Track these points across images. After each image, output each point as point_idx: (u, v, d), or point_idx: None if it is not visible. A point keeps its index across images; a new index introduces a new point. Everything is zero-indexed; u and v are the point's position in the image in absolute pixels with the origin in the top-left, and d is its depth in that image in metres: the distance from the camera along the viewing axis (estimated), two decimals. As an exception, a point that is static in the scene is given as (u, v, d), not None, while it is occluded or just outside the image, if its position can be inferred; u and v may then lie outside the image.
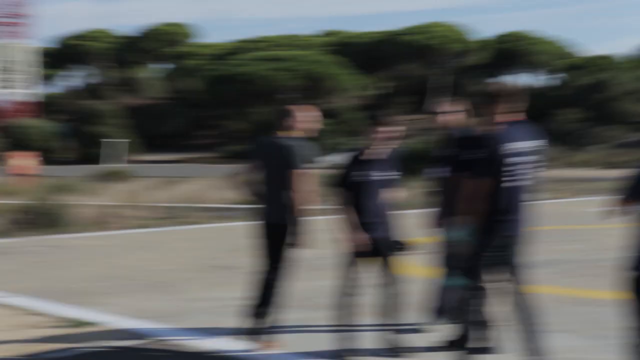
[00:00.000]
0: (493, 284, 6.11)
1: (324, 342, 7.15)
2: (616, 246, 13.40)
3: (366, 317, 7.15)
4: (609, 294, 9.37)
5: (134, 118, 71.01)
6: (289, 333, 7.46)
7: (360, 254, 6.80)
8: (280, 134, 7.25)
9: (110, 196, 22.69)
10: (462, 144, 6.98)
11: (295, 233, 7.11)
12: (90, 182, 27.27)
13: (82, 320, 8.11)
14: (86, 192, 23.82)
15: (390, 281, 6.92)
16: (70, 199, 20.20)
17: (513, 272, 6.12)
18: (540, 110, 64.03)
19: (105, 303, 9.14)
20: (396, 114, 7.05)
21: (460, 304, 6.35)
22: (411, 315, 7.62)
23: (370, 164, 6.89)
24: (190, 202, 21.20)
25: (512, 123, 6.01)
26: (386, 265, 6.91)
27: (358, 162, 6.89)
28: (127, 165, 48.14)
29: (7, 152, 51.81)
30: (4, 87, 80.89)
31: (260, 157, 7.28)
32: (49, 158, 58.32)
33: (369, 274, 6.96)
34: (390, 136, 6.90)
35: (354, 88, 68.60)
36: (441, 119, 7.35)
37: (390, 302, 6.98)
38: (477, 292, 6.11)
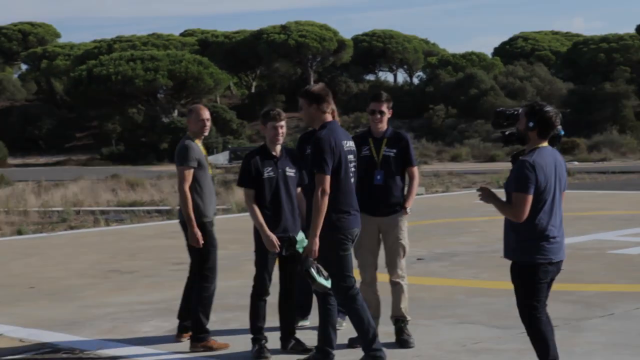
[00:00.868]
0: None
1: (240, 343, 7.15)
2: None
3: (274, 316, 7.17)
4: (506, 284, 9.72)
5: (1, 120, 68.77)
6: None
7: (271, 253, 6.81)
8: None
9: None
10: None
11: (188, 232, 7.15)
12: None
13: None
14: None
15: (300, 280, 6.95)
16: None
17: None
18: (410, 108, 65.33)
19: (0, 313, 8.86)
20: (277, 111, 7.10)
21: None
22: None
23: (274, 160, 6.91)
24: (72, 206, 20.70)
25: (330, 123, 6.38)
26: (294, 265, 6.93)
27: (262, 159, 6.88)
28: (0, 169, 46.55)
29: None
30: None
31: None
32: None
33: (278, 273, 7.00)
34: (283, 132, 6.97)
35: (221, 87, 68.30)
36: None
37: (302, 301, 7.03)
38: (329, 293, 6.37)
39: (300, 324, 7.61)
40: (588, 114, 61.67)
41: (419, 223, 15.20)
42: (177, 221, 7.62)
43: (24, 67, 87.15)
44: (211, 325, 7.28)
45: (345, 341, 7.08)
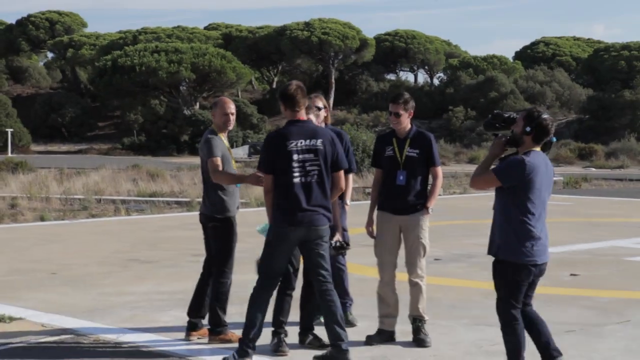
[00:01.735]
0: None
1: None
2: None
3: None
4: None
5: (26, 108, 69.21)
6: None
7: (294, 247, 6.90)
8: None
9: (11, 187, 22.14)
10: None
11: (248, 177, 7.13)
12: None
13: (1, 315, 7.96)
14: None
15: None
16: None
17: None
18: (429, 108, 65.29)
19: (23, 298, 9.00)
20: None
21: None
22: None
23: None
24: (94, 194, 20.87)
25: (293, 122, 6.51)
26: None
27: None
28: (22, 155, 46.87)
29: None
30: None
31: None
32: None
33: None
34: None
35: (243, 82, 68.44)
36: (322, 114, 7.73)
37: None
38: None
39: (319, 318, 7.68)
40: (606, 121, 61.44)
41: (437, 223, 15.25)
42: (196, 213, 7.70)
43: (50, 55, 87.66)
44: (230, 318, 7.37)
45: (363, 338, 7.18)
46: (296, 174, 6.40)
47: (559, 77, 69.89)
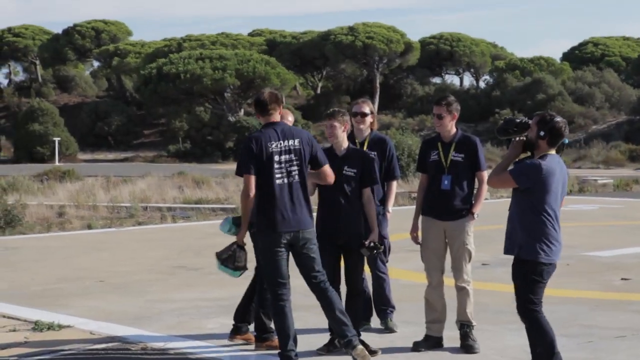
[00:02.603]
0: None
1: (303, 343, 7.21)
2: (572, 245, 13.66)
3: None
4: (570, 292, 9.63)
5: (73, 116, 70.08)
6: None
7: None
8: None
9: (59, 195, 22.40)
10: None
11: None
12: (35, 181, 26.86)
13: (50, 322, 8.03)
14: (34, 191, 23.49)
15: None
16: (20, 199, 19.90)
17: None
18: (475, 111, 64.88)
19: (70, 305, 9.08)
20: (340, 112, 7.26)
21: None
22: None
23: (336, 159, 7.00)
24: (140, 202, 21.03)
25: (269, 124, 6.52)
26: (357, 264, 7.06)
27: (331, 158, 6.96)
28: (69, 164, 47.44)
29: None
30: None
31: None
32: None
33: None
34: (333, 132, 7.08)
35: (288, 87, 68.62)
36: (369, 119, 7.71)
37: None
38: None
39: (365, 326, 7.65)
40: (658, 122, 60.58)
41: (484, 228, 15.12)
42: None
43: (95, 64, 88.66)
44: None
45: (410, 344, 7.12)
46: (278, 176, 6.40)
47: (608, 78, 69.01)
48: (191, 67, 62.89)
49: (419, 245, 7.36)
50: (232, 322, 7.50)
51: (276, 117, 6.60)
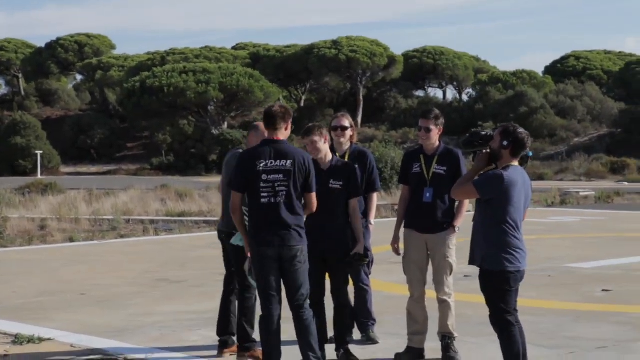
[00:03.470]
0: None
1: (289, 355, 7.19)
2: (554, 256, 13.74)
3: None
4: (552, 303, 9.66)
5: (56, 130, 69.86)
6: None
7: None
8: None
9: (40, 208, 22.30)
10: None
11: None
12: (17, 194, 26.72)
13: (31, 336, 7.98)
14: (15, 204, 23.37)
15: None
16: (1, 212, 19.80)
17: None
18: (458, 124, 65.04)
19: (51, 319, 9.03)
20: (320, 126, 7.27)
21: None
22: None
23: (321, 173, 6.99)
24: (122, 215, 20.96)
25: (266, 141, 6.51)
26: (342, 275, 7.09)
27: (317, 173, 6.95)
28: (51, 177, 47.26)
29: None
30: None
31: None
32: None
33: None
34: (314, 147, 7.08)
35: (271, 100, 68.61)
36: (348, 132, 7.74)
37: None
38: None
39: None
40: (639, 134, 60.90)
41: (466, 240, 15.17)
42: None
43: (79, 77, 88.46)
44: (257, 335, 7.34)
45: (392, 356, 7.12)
46: (264, 194, 6.37)
47: (590, 91, 69.41)
48: (175, 81, 62.86)
49: (401, 257, 7.37)
50: (216, 337, 7.48)
51: (280, 134, 6.50)
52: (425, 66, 78.94)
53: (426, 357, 7.20)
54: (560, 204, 26.79)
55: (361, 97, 73.95)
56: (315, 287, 6.81)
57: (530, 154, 6.19)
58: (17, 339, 7.91)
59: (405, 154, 7.63)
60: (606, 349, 7.56)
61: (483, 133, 6.21)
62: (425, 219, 7.15)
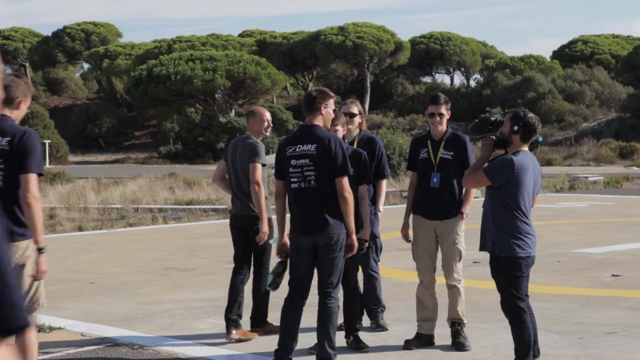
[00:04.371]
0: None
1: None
2: (563, 242, 13.71)
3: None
4: (562, 289, 9.65)
5: (63, 119, 69.97)
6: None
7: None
8: (248, 133, 7.72)
9: (49, 197, 22.34)
10: None
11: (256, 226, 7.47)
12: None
13: (41, 325, 8.00)
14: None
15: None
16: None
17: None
18: (466, 110, 64.93)
19: (61, 307, 9.05)
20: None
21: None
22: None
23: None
24: (131, 203, 20.99)
25: (302, 127, 6.49)
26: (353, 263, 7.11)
27: None
28: (59, 166, 47.35)
29: None
30: None
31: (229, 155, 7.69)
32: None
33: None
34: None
35: (278, 88, 68.59)
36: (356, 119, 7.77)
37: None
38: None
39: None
40: (647, 119, 60.73)
41: (475, 226, 15.16)
42: None
43: (86, 66, 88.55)
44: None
45: (401, 343, 7.13)
46: (294, 179, 6.35)
47: (598, 76, 69.19)
48: (181, 69, 62.82)
49: (410, 244, 7.37)
50: (224, 321, 7.52)
51: (315, 119, 6.41)
52: (432, 52, 78.79)
53: (436, 343, 7.20)
54: (569, 189, 26.74)
55: (368, 84, 73.84)
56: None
57: (540, 139, 6.18)
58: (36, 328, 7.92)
59: (412, 140, 7.62)
60: (616, 334, 7.54)
61: (492, 119, 6.21)
62: (433, 203, 7.14)
